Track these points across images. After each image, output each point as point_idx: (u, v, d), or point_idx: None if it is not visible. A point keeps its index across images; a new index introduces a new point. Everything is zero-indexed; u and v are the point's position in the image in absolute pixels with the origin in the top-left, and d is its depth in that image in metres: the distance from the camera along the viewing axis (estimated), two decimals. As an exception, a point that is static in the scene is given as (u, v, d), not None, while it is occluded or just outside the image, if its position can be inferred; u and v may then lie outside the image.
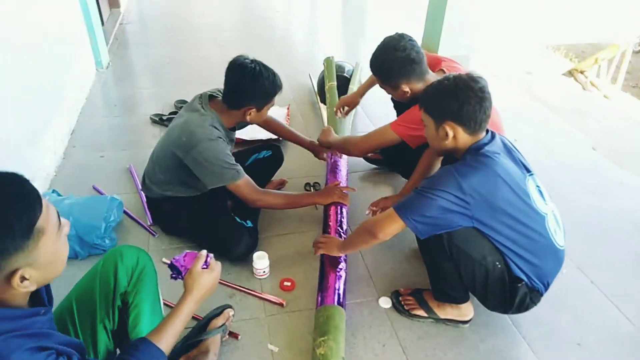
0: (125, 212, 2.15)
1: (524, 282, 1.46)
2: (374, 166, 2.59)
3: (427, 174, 1.89)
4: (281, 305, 1.75)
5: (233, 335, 1.62)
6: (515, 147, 1.56)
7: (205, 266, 1.20)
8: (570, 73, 4.81)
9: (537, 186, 1.49)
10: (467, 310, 1.67)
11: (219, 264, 1.23)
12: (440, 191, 1.35)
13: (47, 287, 0.96)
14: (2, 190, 0.78)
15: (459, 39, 4.23)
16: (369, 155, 2.55)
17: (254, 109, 1.81)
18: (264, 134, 2.78)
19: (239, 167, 1.83)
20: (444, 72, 1.92)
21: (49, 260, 0.84)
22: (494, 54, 4.50)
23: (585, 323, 1.73)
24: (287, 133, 2.29)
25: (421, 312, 1.70)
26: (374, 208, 1.99)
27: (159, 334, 1.05)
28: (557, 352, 1.63)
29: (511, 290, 1.47)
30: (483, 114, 1.40)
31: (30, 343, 0.81)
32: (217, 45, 4.46)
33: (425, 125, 1.52)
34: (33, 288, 0.84)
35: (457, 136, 1.43)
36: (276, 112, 3.11)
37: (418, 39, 4.49)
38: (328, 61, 3.27)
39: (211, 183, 1.81)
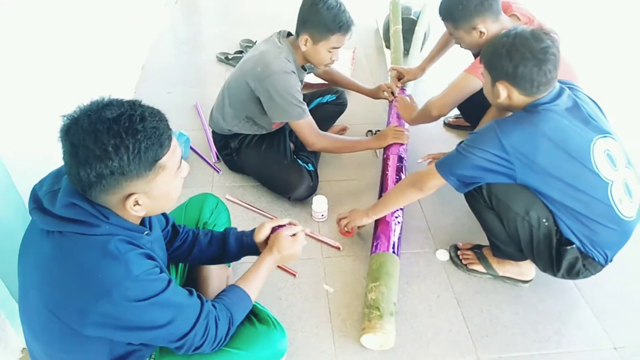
0: (191, 148, 2.23)
1: (574, 246, 1.38)
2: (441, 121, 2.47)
3: None
4: (338, 249, 1.78)
5: (291, 272, 1.68)
6: (591, 104, 1.42)
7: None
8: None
9: (607, 150, 1.35)
10: (527, 269, 1.62)
11: (302, 239, 1.29)
12: (480, 150, 1.31)
13: (151, 220, 1.05)
14: (143, 122, 0.85)
15: None
16: (451, 120, 2.45)
17: (308, 38, 1.74)
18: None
19: (305, 107, 1.82)
20: (518, 17, 1.79)
21: (161, 194, 0.93)
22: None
23: (656, 294, 1.64)
24: (346, 82, 2.26)
25: (479, 267, 1.67)
26: (431, 157, 1.94)
27: (244, 282, 1.16)
28: (622, 319, 1.56)
29: (559, 252, 1.40)
30: (543, 76, 1.29)
31: (140, 250, 0.92)
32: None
33: (484, 82, 1.44)
34: (142, 214, 0.94)
35: (512, 96, 1.35)
36: (341, 54, 3.03)
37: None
38: (394, 3, 3.10)
39: (277, 117, 1.82)
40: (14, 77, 1.47)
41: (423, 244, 1.82)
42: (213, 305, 1.04)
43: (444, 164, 1.42)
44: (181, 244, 1.27)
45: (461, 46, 1.87)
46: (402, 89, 2.35)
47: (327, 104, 2.19)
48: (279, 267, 1.69)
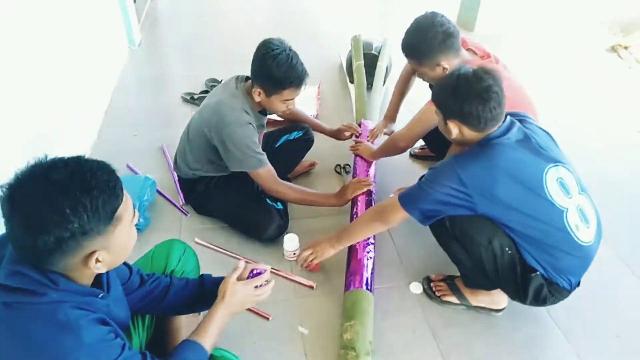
0: (158, 191, 2.19)
1: (538, 273, 1.41)
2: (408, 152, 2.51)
3: None
4: (311, 287, 1.75)
5: (264, 316, 1.64)
6: (542, 134, 1.46)
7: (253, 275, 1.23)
8: (613, 49, 4.57)
9: (560, 178, 1.38)
10: (499, 298, 1.63)
11: (265, 280, 1.24)
12: (440, 184, 1.36)
13: (109, 278, 1.01)
14: (94, 177, 0.83)
15: (497, 16, 4.07)
16: (417, 151, 2.50)
17: (260, 91, 1.74)
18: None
19: (262, 156, 1.81)
20: (474, 51, 1.88)
21: (120, 247, 0.91)
22: (532, 31, 4.30)
23: (625, 315, 1.68)
24: (309, 122, 2.27)
25: (453, 299, 1.67)
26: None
27: (196, 334, 1.12)
28: (594, 343, 1.58)
29: (525, 279, 1.43)
30: (488, 113, 1.34)
31: (93, 315, 0.88)
32: (248, 22, 4.42)
33: (438, 118, 1.48)
34: (103, 270, 0.91)
35: (463, 132, 1.40)
36: (306, 92, 3.06)
37: (453, 16, 4.37)
38: (355, 40, 3.19)
39: (234, 166, 1.82)
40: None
41: (396, 277, 1.81)
42: None
43: (407, 198, 1.45)
44: (153, 288, 1.21)
45: (424, 80, 1.92)
46: (363, 124, 2.40)
47: (295, 141, 2.21)
48: (251, 310, 1.65)
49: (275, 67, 1.67)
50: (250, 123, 1.77)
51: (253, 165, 1.80)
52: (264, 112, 1.91)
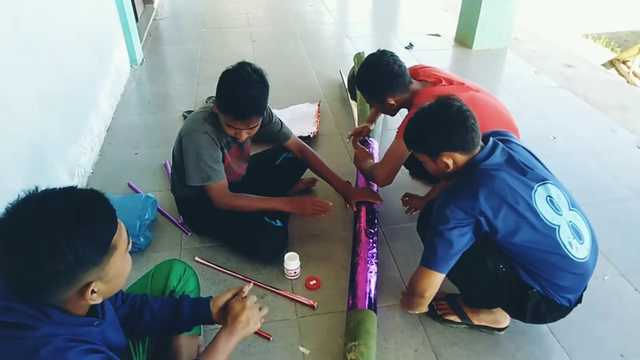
0: (159, 210, 2.19)
1: (535, 290, 1.40)
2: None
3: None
4: (312, 307, 1.74)
5: (265, 336, 1.63)
6: (524, 153, 1.47)
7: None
8: (611, 63, 4.62)
9: (549, 196, 1.38)
10: (501, 317, 1.62)
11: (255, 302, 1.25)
12: (448, 226, 1.34)
13: (102, 303, 1.00)
14: (88, 208, 0.83)
15: (495, 32, 4.12)
16: None
17: (216, 104, 1.71)
18: (293, 132, 2.77)
19: (214, 171, 1.77)
20: (426, 81, 1.94)
21: (116, 275, 0.90)
22: (531, 47, 4.34)
23: (629, 333, 1.66)
24: (319, 167, 2.12)
25: (454, 318, 1.66)
26: (407, 202, 2.07)
27: (205, 355, 1.12)
28: (597, 362, 1.56)
29: (521, 297, 1.42)
30: (472, 132, 1.37)
31: (84, 346, 0.86)
32: (250, 40, 4.47)
33: (423, 161, 1.48)
34: (99, 300, 0.89)
35: (457, 161, 1.40)
36: (306, 109, 3.11)
37: (452, 32, 4.42)
38: (359, 57, 3.23)
39: (189, 180, 1.78)
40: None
41: (398, 296, 1.79)
42: None
43: (430, 260, 1.40)
44: (129, 309, 1.20)
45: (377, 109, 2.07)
46: (368, 142, 2.41)
47: (294, 158, 2.20)
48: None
49: (228, 88, 1.65)
50: (207, 133, 1.74)
51: (203, 178, 1.76)
52: None
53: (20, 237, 0.78)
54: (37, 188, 0.84)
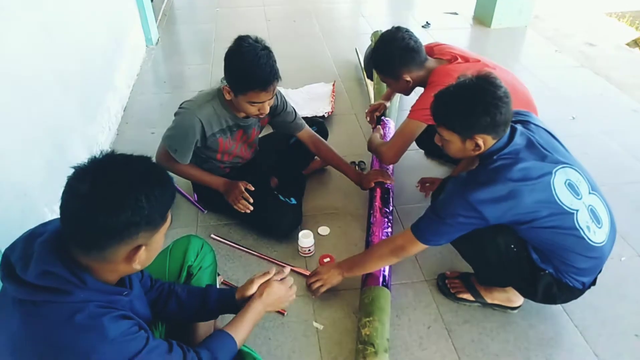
0: (175, 188, 2.21)
1: (547, 272, 1.40)
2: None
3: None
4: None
5: (280, 312, 1.66)
6: (545, 135, 1.43)
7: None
8: (635, 43, 4.47)
9: (568, 180, 1.35)
10: (515, 296, 1.62)
11: (291, 284, 1.31)
12: (452, 215, 1.34)
13: (130, 276, 1.04)
14: (162, 175, 0.91)
15: (514, 9, 4.02)
16: None
17: (228, 89, 1.69)
18: (308, 111, 2.77)
19: (183, 151, 1.80)
20: (441, 59, 1.90)
21: (156, 247, 0.96)
22: (552, 25, 4.23)
23: (644, 314, 1.65)
24: (333, 159, 2.08)
25: (468, 296, 1.67)
26: (424, 187, 2.02)
27: (230, 326, 1.16)
28: (612, 341, 1.56)
29: (533, 277, 1.42)
30: (510, 115, 1.33)
31: (116, 312, 0.90)
32: (264, 19, 4.44)
33: (446, 140, 1.41)
34: (139, 268, 0.94)
35: (486, 144, 1.36)
36: (321, 89, 3.10)
37: (470, 10, 4.32)
38: (376, 35, 3.19)
39: (163, 136, 1.85)
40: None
41: (411, 275, 1.81)
42: (196, 352, 1.02)
43: (421, 231, 1.42)
44: (157, 296, 1.23)
45: (391, 88, 2.01)
46: (384, 121, 2.40)
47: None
48: (267, 306, 1.67)
49: (239, 65, 1.61)
50: (201, 121, 1.74)
51: (167, 144, 1.82)
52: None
53: (109, 184, 0.84)
54: (113, 151, 0.91)
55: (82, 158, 0.88)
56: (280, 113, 1.94)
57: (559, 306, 1.66)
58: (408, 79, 1.87)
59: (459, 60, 1.87)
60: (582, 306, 1.63)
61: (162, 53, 3.78)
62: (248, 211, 1.86)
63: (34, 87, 1.82)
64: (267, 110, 1.73)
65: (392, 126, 2.44)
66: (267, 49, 1.64)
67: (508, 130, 1.36)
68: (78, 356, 0.82)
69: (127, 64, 3.18)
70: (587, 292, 1.49)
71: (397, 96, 2.67)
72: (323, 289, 1.64)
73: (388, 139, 2.28)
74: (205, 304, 1.25)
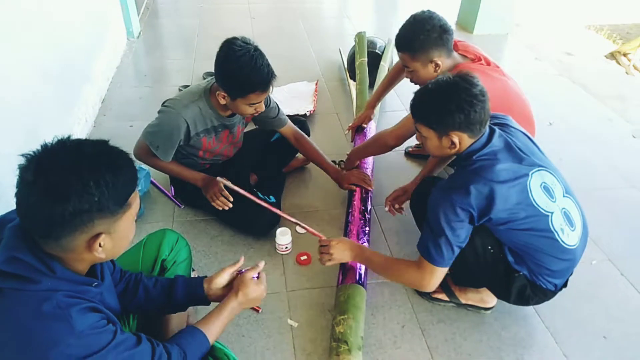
0: (152, 182, 2.19)
1: (521, 273, 1.42)
2: (402, 150, 2.52)
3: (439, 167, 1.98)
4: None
5: (254, 308, 1.64)
6: (522, 138, 1.45)
7: (256, 277, 1.26)
8: (612, 55, 4.58)
9: (543, 183, 1.37)
10: (488, 296, 1.64)
11: (264, 279, 1.28)
12: (448, 226, 1.33)
13: (102, 267, 1.02)
14: (118, 159, 0.88)
15: (496, 17, 4.08)
16: (411, 149, 2.50)
17: (224, 95, 1.67)
18: (290, 109, 2.77)
19: (165, 149, 1.79)
20: (465, 55, 1.88)
21: (123, 235, 0.93)
22: (532, 33, 4.32)
23: (613, 316, 1.69)
24: (314, 155, 2.09)
25: (442, 296, 1.68)
26: (393, 205, 1.93)
27: (203, 324, 1.14)
28: (581, 343, 1.59)
29: (507, 278, 1.44)
30: (487, 114, 1.34)
31: (85, 304, 0.88)
32: (249, 17, 4.42)
33: (424, 137, 1.41)
34: (103, 257, 0.90)
35: (462, 142, 1.37)
36: (304, 87, 3.09)
37: (453, 16, 4.37)
38: (360, 36, 3.20)
39: (144, 134, 1.83)
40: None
41: (387, 274, 1.81)
42: (165, 347, 1.00)
43: (434, 256, 1.38)
44: (125, 287, 1.20)
45: (411, 81, 1.89)
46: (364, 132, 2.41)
47: (290, 135, 2.20)
48: (242, 303, 1.65)
49: (238, 71, 1.58)
50: (186, 121, 1.73)
51: (149, 141, 1.79)
52: (233, 114, 1.85)
53: (53, 171, 0.80)
54: (69, 136, 0.86)
55: (56, 147, 0.85)
56: (264, 109, 1.93)
57: (530, 308, 1.68)
58: (439, 62, 1.76)
59: (482, 61, 1.84)
60: (552, 308, 1.65)
61: (143, 46, 3.73)
62: (227, 208, 1.83)
63: (12, 76, 1.78)
64: (263, 108, 1.74)
65: (372, 127, 2.45)
66: (258, 50, 1.63)
67: (486, 131, 1.38)
68: (42, 346, 0.80)
69: (107, 55, 3.12)
70: (559, 295, 1.52)
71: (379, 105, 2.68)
72: (329, 264, 1.61)
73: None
74: (172, 293, 1.22)
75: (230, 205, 1.83)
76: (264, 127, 2.05)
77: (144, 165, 2.16)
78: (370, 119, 2.44)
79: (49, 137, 0.88)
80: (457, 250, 1.38)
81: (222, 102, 1.70)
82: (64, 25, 2.39)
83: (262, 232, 1.92)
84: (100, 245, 0.87)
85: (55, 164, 0.81)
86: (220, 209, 1.84)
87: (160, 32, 4.11)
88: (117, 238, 0.91)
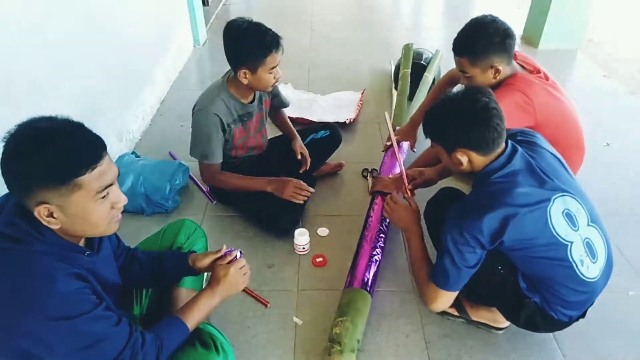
0: (191, 177, 2.33)
1: (532, 300, 1.35)
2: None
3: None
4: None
5: (263, 302, 1.70)
6: (550, 158, 1.37)
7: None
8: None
9: (566, 209, 1.29)
10: (501, 316, 1.56)
11: (238, 266, 1.30)
12: (459, 253, 1.30)
13: (101, 240, 1.11)
14: (69, 139, 0.92)
15: (565, 31, 3.87)
16: None
17: (246, 71, 1.78)
18: (331, 116, 2.81)
19: (212, 154, 1.88)
20: (523, 66, 1.81)
21: (78, 214, 0.94)
22: (605, 50, 4.04)
23: (639, 349, 1.54)
24: (285, 128, 2.26)
25: (452, 310, 1.63)
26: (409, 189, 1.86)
27: (182, 311, 1.20)
28: (600, 378, 1.47)
29: (517, 303, 1.37)
30: (494, 132, 1.27)
31: (72, 269, 0.95)
32: (312, 29, 4.54)
33: (438, 152, 1.40)
34: (56, 227, 0.96)
35: (472, 160, 1.32)
36: (349, 97, 3.13)
37: (518, 30, 4.21)
38: (407, 48, 3.19)
39: (190, 152, 1.94)
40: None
41: (400, 283, 1.79)
42: (142, 334, 1.05)
43: (445, 281, 1.37)
44: (123, 261, 1.30)
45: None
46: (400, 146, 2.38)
47: (322, 140, 2.25)
48: (252, 295, 1.72)
49: (249, 40, 1.72)
50: (216, 114, 1.83)
51: (202, 155, 1.90)
52: (253, 100, 1.97)
53: (14, 138, 0.90)
54: (59, 115, 0.96)
55: (111, 141, 0.96)
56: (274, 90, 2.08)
57: (550, 334, 1.58)
58: (499, 68, 1.69)
59: (541, 74, 1.78)
60: (574, 336, 1.55)
61: (208, 54, 3.97)
62: (311, 197, 1.99)
63: (76, 71, 2.01)
64: (280, 73, 1.84)
65: (405, 146, 2.41)
66: (256, 21, 1.77)
67: (508, 149, 1.33)
68: (24, 302, 0.89)
69: (171, 61, 3.37)
70: (583, 323, 1.43)
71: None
72: (385, 214, 1.72)
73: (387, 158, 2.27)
74: (163, 264, 1.31)
75: (312, 190, 1.98)
76: (272, 108, 2.17)
77: (184, 162, 2.32)
78: (414, 138, 2.33)
79: (105, 131, 0.97)
80: (464, 275, 1.34)
81: (245, 81, 1.80)
82: (132, 29, 2.64)
83: (285, 230, 1.97)
84: (51, 216, 0.93)
85: (22, 132, 0.91)
86: (254, 205, 1.97)
87: (225, 40, 4.34)
88: (71, 215, 0.94)
